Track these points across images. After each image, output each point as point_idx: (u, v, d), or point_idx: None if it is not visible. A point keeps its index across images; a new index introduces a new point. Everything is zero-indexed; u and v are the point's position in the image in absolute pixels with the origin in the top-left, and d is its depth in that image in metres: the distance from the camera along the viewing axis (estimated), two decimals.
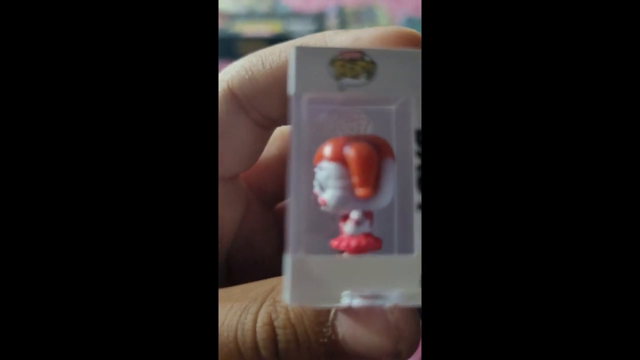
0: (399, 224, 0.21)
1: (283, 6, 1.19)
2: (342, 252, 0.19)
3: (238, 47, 1.03)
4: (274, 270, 0.22)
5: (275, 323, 0.19)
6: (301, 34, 0.23)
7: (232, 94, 0.23)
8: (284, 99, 0.21)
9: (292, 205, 0.18)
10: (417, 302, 0.18)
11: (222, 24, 1.07)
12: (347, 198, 0.19)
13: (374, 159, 0.19)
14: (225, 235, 0.26)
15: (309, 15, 1.16)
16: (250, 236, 0.27)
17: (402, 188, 0.20)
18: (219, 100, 0.23)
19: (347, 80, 0.18)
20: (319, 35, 0.22)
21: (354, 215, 0.19)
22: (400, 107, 0.21)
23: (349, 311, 0.19)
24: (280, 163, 0.27)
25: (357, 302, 0.18)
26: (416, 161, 0.18)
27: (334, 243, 0.19)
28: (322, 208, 0.19)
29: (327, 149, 0.19)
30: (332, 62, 0.18)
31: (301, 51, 0.18)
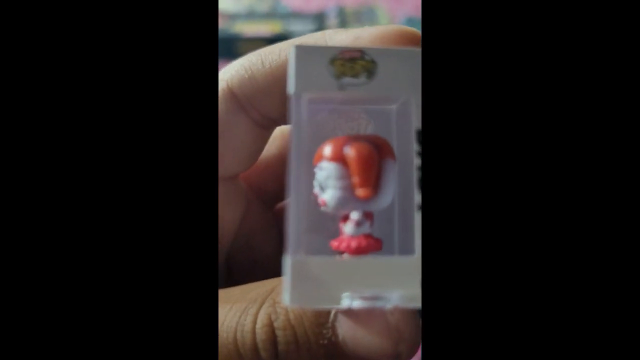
0: (400, 224, 0.21)
1: (283, 6, 1.19)
2: (342, 253, 0.19)
3: (238, 47, 1.03)
4: (274, 270, 0.22)
5: (275, 324, 0.19)
6: (301, 34, 0.23)
7: (231, 93, 0.23)
8: (283, 98, 0.21)
9: (292, 205, 0.18)
10: (418, 303, 0.18)
11: (222, 24, 1.07)
12: (348, 198, 0.19)
13: (375, 159, 0.19)
14: (225, 235, 0.26)
15: (309, 15, 1.16)
16: (250, 236, 0.27)
17: (403, 188, 0.20)
18: (218, 100, 0.23)
19: (347, 80, 0.18)
20: (318, 34, 0.22)
21: (354, 216, 0.19)
22: (401, 107, 0.21)
23: (349, 312, 0.19)
24: (280, 163, 0.27)
25: (357, 304, 0.18)
26: (417, 161, 0.18)
27: (334, 244, 0.19)
28: (322, 208, 0.19)
29: (327, 149, 0.19)
30: (332, 61, 0.18)
31: (301, 50, 0.18)
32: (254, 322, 0.20)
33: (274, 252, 0.27)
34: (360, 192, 0.18)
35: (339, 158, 0.19)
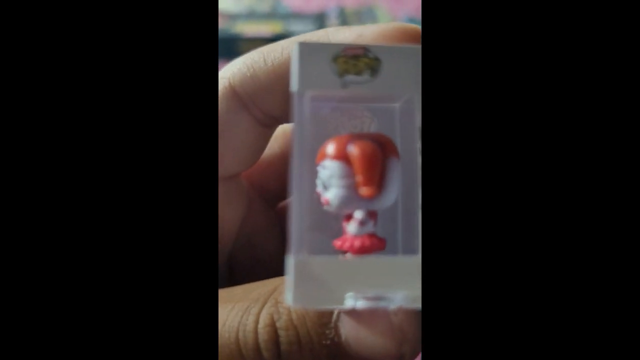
0: (403, 224, 0.21)
1: (284, 6, 1.19)
2: (345, 252, 0.19)
3: (238, 47, 1.03)
4: (277, 269, 0.22)
5: (278, 324, 0.19)
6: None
7: (233, 91, 0.22)
8: (286, 96, 0.21)
9: (295, 204, 0.18)
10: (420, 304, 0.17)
11: (222, 24, 1.07)
12: (351, 197, 0.18)
13: (379, 157, 0.18)
14: (227, 234, 0.26)
15: (310, 16, 1.15)
16: (252, 235, 0.27)
17: (407, 187, 0.20)
18: (220, 98, 0.22)
19: (351, 77, 0.18)
20: (321, 32, 0.22)
21: (358, 215, 0.19)
22: (404, 105, 0.21)
23: (352, 313, 0.18)
24: (283, 161, 0.26)
25: (361, 304, 0.17)
26: (421, 160, 0.18)
27: (337, 243, 0.19)
28: (325, 207, 0.19)
29: (331, 147, 0.19)
30: (335, 58, 0.18)
31: (304, 47, 0.18)
32: (256, 321, 0.19)
33: (276, 251, 0.27)
34: (364, 190, 0.18)
35: (343, 156, 0.18)
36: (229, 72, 0.23)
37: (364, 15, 1.16)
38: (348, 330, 0.19)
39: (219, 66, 0.22)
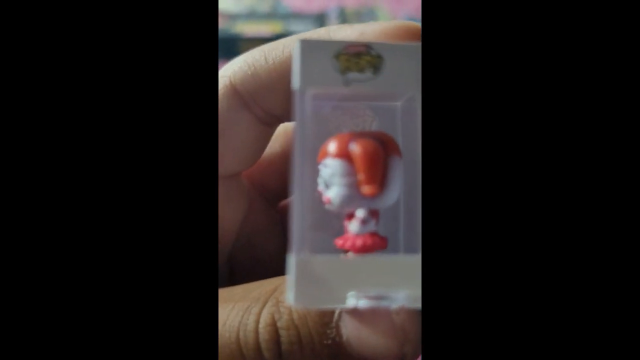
0: (405, 223, 0.21)
1: (284, 6, 1.19)
2: (347, 251, 0.19)
3: (238, 47, 1.03)
4: (278, 269, 0.21)
5: (278, 324, 0.19)
6: None
7: (234, 89, 0.22)
8: (287, 94, 0.21)
9: (296, 203, 0.18)
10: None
11: (222, 24, 1.07)
12: (353, 196, 0.18)
13: (380, 155, 0.18)
14: (227, 234, 0.25)
15: (310, 16, 1.15)
16: (252, 235, 0.27)
17: (409, 186, 0.20)
18: (220, 96, 0.22)
19: (353, 75, 0.18)
20: (322, 30, 0.22)
21: (360, 213, 0.18)
22: (406, 104, 0.21)
23: (353, 312, 0.18)
24: (284, 160, 0.26)
25: (363, 303, 0.17)
26: (421, 157, 0.18)
27: (339, 242, 0.19)
28: (327, 206, 0.19)
29: (332, 146, 0.19)
30: (337, 56, 0.17)
31: (306, 45, 0.18)
32: (257, 321, 0.19)
33: (277, 250, 0.27)
34: (366, 189, 0.18)
35: (344, 155, 0.18)
36: (229, 71, 0.23)
37: (364, 16, 1.16)
38: (350, 330, 0.18)
39: (219, 66, 0.22)
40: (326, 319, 0.19)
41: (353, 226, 0.19)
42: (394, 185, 0.18)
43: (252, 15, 1.14)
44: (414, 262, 0.18)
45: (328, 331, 0.19)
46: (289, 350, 0.19)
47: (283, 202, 0.28)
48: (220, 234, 0.24)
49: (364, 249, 0.18)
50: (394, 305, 0.17)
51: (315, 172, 0.19)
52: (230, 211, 0.25)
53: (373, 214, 0.19)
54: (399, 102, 0.21)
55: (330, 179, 0.18)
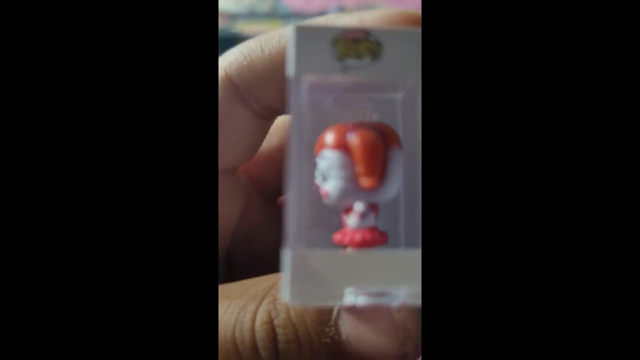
0: (406, 217, 0.20)
1: (284, 6, 1.19)
2: (345, 247, 0.18)
3: None
4: (276, 266, 0.21)
5: (275, 322, 0.19)
6: None
7: (230, 81, 0.22)
8: (284, 85, 0.20)
9: (292, 196, 0.17)
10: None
11: (222, 24, 1.07)
12: (351, 189, 0.18)
13: (380, 147, 0.18)
14: (225, 230, 0.25)
15: (310, 16, 1.15)
16: (251, 231, 0.26)
17: (409, 179, 0.19)
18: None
19: (351, 62, 0.17)
20: (321, 19, 0.21)
21: (358, 207, 0.18)
22: (407, 95, 0.20)
23: (353, 310, 0.18)
24: (282, 155, 0.26)
25: (361, 300, 0.17)
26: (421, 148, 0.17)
27: (337, 237, 0.18)
28: (325, 200, 0.18)
29: (330, 137, 0.18)
30: (335, 42, 0.17)
31: (301, 31, 0.17)
32: (253, 319, 0.19)
33: (275, 247, 0.26)
34: (365, 181, 0.17)
35: (342, 146, 0.18)
36: (225, 62, 0.22)
37: None
38: (349, 328, 0.18)
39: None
40: (324, 316, 0.18)
41: (351, 220, 0.18)
42: (394, 178, 0.18)
43: (252, 15, 1.14)
44: (415, 258, 0.17)
45: (326, 329, 0.18)
46: (286, 349, 0.19)
47: (281, 198, 0.28)
48: (219, 230, 0.24)
49: (363, 244, 0.18)
50: (395, 303, 0.17)
51: (312, 166, 0.19)
52: (228, 207, 0.25)
53: (372, 207, 0.18)
54: (400, 93, 0.21)
55: (328, 171, 0.18)
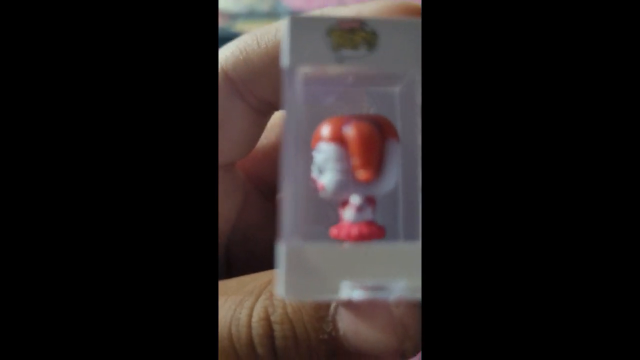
0: (404, 211, 0.20)
1: (284, 6, 1.19)
2: (342, 241, 0.18)
3: None
4: (274, 263, 0.21)
5: (272, 318, 0.18)
6: None
7: (226, 76, 0.22)
8: (280, 80, 0.20)
9: (287, 188, 0.17)
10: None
11: (222, 23, 1.06)
12: (347, 181, 0.17)
13: (376, 139, 0.17)
14: (223, 226, 0.25)
15: None
16: (249, 228, 0.26)
17: (408, 174, 0.19)
18: None
19: (346, 52, 0.17)
20: (317, 12, 0.21)
21: (355, 200, 0.18)
22: (405, 89, 0.20)
23: (350, 305, 0.18)
24: (280, 151, 0.26)
25: (358, 294, 0.16)
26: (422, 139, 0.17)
27: (334, 232, 0.18)
28: (321, 194, 0.18)
29: (325, 129, 0.18)
30: (330, 32, 0.17)
31: (296, 21, 0.17)
32: (250, 315, 0.19)
33: (273, 244, 0.26)
34: (361, 174, 0.17)
35: (338, 138, 0.17)
36: (221, 57, 0.22)
37: None
38: (347, 324, 0.18)
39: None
40: (322, 312, 0.18)
41: (348, 214, 0.18)
42: (391, 171, 0.18)
43: (252, 15, 1.14)
44: (412, 250, 0.17)
45: (324, 325, 0.18)
46: (283, 346, 0.18)
47: (280, 195, 0.28)
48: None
49: (360, 238, 0.17)
50: (392, 296, 0.16)
51: (308, 160, 0.18)
52: (226, 204, 0.25)
53: (369, 201, 0.18)
54: (398, 87, 0.21)
55: (324, 164, 0.18)
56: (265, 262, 0.25)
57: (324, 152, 0.18)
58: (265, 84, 0.22)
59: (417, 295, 0.16)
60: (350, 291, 0.16)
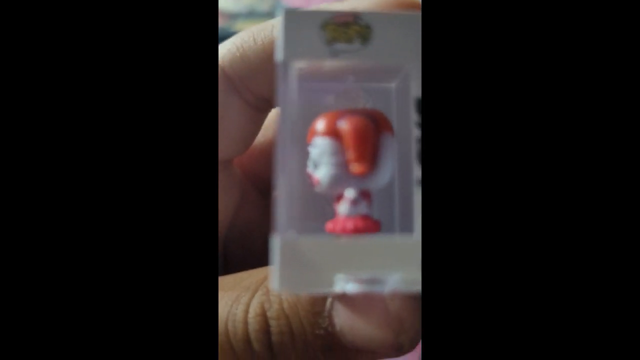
0: (400, 206, 0.20)
1: (284, 6, 1.19)
2: (338, 236, 0.18)
3: None
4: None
5: (268, 314, 0.18)
6: None
7: (223, 72, 0.22)
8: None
9: (281, 184, 0.17)
10: (418, 286, 0.16)
11: (222, 23, 1.06)
12: (342, 175, 0.17)
13: (371, 132, 0.17)
14: (221, 223, 0.25)
15: None
16: (246, 225, 0.26)
17: (403, 166, 0.19)
18: None
19: (340, 46, 0.17)
20: (314, 7, 0.21)
21: (349, 193, 0.17)
22: (401, 84, 0.20)
23: (346, 300, 0.17)
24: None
25: (352, 287, 0.16)
26: (416, 132, 0.17)
27: (329, 226, 0.18)
28: (316, 188, 0.18)
29: (320, 124, 0.18)
30: (324, 26, 0.17)
31: (290, 15, 0.17)
32: (246, 311, 0.19)
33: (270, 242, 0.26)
34: (355, 167, 0.17)
35: (333, 132, 0.17)
36: (218, 54, 0.22)
37: None
38: (343, 319, 0.18)
39: None
40: (318, 307, 0.18)
41: (343, 208, 0.18)
42: (386, 164, 0.18)
43: (251, 15, 1.14)
44: (407, 243, 0.17)
45: (320, 320, 0.18)
46: (279, 341, 0.18)
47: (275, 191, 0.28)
48: None
49: (355, 232, 0.17)
50: (386, 289, 0.16)
51: (301, 151, 0.18)
52: (224, 201, 0.25)
53: (364, 195, 0.18)
54: (394, 83, 0.21)
55: (319, 158, 0.18)
56: (262, 258, 0.25)
57: (319, 147, 0.18)
58: (261, 80, 0.22)
59: (412, 287, 0.16)
60: (344, 284, 0.16)
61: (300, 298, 0.18)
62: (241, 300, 0.19)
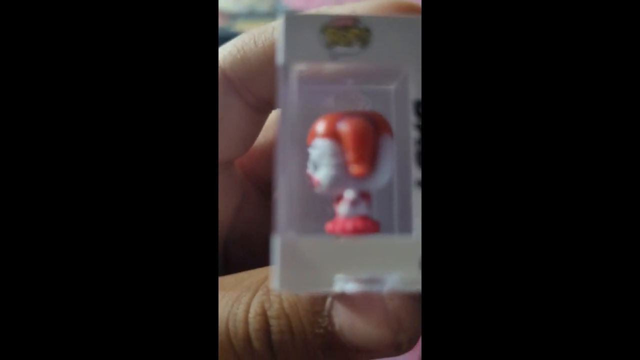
0: (399, 207, 0.20)
1: (284, 6, 1.19)
2: (338, 236, 0.18)
3: None
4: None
5: (269, 313, 0.18)
6: None
7: (224, 74, 0.22)
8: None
9: (281, 184, 0.17)
10: (417, 286, 0.17)
11: (222, 23, 1.06)
12: (341, 176, 0.17)
13: (370, 134, 0.18)
14: (221, 224, 0.25)
15: None
16: (247, 225, 0.26)
17: (402, 168, 0.19)
18: None
19: (340, 49, 0.17)
20: (313, 11, 0.21)
21: (349, 194, 0.18)
22: (400, 86, 0.20)
23: (346, 300, 0.18)
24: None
25: (351, 287, 0.16)
26: (415, 134, 0.17)
27: (329, 226, 0.18)
28: (316, 189, 0.18)
29: (320, 126, 0.18)
30: (324, 29, 0.17)
31: (291, 19, 0.17)
32: (247, 310, 0.19)
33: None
34: (355, 168, 0.17)
35: (333, 134, 0.18)
36: (219, 56, 0.22)
37: None
38: (342, 318, 0.18)
39: None
40: (318, 307, 0.18)
41: (342, 208, 0.18)
42: (385, 166, 0.18)
43: (251, 15, 1.14)
44: (406, 243, 0.17)
45: (320, 320, 0.18)
46: (279, 340, 0.18)
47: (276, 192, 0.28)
48: None
49: (354, 232, 0.17)
50: (385, 289, 0.17)
51: (301, 153, 0.18)
52: (225, 201, 0.25)
53: (363, 196, 0.18)
54: (393, 85, 0.21)
55: (319, 160, 0.18)
56: (263, 259, 0.25)
57: (319, 148, 0.18)
58: (262, 82, 0.22)
59: (411, 287, 0.17)
60: (343, 284, 0.16)
61: (301, 298, 0.18)
62: (242, 299, 0.19)
